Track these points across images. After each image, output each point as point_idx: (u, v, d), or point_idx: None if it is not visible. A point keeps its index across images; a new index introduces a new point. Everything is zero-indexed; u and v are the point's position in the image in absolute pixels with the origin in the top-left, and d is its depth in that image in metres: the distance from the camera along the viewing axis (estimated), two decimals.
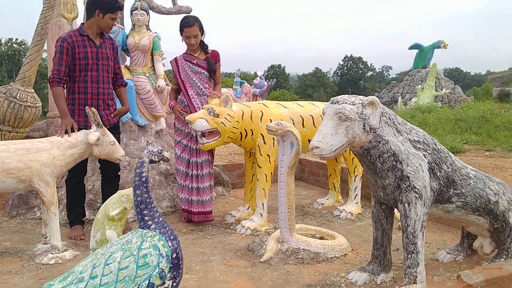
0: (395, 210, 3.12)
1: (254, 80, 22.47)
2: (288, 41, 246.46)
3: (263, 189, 4.23)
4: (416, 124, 11.07)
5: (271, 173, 4.28)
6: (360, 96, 2.80)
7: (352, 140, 2.70)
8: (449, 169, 2.96)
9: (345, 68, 75.50)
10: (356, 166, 4.79)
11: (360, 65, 75.54)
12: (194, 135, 4.33)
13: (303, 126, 4.41)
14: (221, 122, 4.04)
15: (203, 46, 4.62)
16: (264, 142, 4.21)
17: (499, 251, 3.21)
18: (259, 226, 4.20)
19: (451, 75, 60.23)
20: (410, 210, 2.78)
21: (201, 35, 4.57)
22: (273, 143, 4.19)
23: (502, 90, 24.78)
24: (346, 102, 2.71)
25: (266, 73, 25.78)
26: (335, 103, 2.75)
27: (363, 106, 2.69)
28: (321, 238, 3.84)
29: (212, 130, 4.05)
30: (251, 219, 4.26)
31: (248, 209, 4.62)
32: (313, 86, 66.66)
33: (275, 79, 23.70)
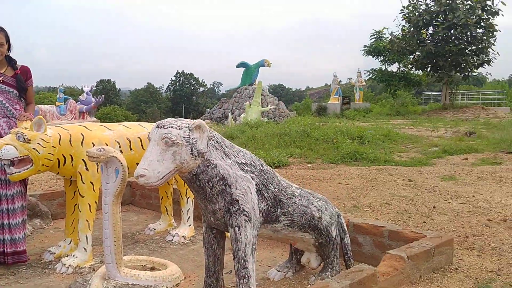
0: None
1: (80, 96, 21.14)
2: (118, 55, 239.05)
3: (87, 220, 3.83)
4: (245, 139, 11.53)
5: (96, 202, 3.91)
6: (187, 120, 2.68)
7: (180, 166, 2.56)
8: (276, 189, 3.01)
9: (177, 83, 75.99)
10: (188, 187, 4.67)
11: (192, 81, 76.81)
12: (1, 164, 3.75)
13: (131, 149, 4.14)
14: (33, 148, 3.55)
15: (10, 61, 4.06)
16: (87, 169, 3.83)
17: (324, 265, 3.37)
18: (82, 262, 3.79)
19: (275, 91, 64.89)
20: (240, 234, 2.74)
21: (8, 50, 4.02)
22: (97, 169, 3.84)
23: (319, 105, 27.42)
24: (172, 126, 2.57)
25: (94, 88, 24.42)
26: (161, 127, 2.59)
27: (190, 130, 2.58)
28: (152, 268, 3.61)
29: (22, 157, 3.54)
30: (73, 255, 3.83)
31: (70, 243, 4.15)
32: (146, 102, 65.81)
33: (103, 95, 22.61)
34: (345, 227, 3.50)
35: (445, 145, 10.69)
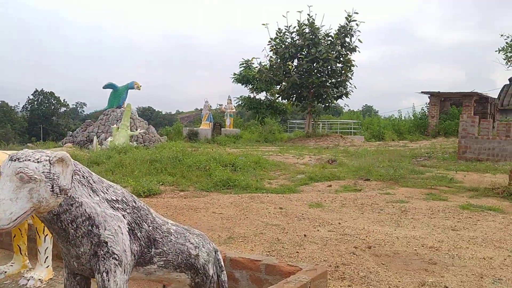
0: None
1: None
2: None
3: None
4: (112, 166, 10.92)
5: None
6: (47, 152, 2.35)
7: (38, 205, 2.22)
8: (150, 227, 2.77)
9: (35, 102, 70.69)
10: None
11: (53, 100, 72.07)
12: None
13: None
14: None
15: None
16: None
17: None
18: None
19: (144, 114, 63.57)
20: (109, 280, 2.44)
21: None
22: None
23: (191, 130, 27.30)
24: (29, 159, 2.22)
25: None
26: (15, 160, 2.23)
27: (51, 163, 2.25)
28: None
29: None
30: None
31: None
32: None
33: None
34: (222, 263, 3.36)
35: (311, 172, 11.21)
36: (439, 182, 9.83)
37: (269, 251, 4.58)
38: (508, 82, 32.20)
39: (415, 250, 4.75)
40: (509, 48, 30.88)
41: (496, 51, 31.59)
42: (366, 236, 5.26)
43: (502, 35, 31.50)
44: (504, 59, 31.80)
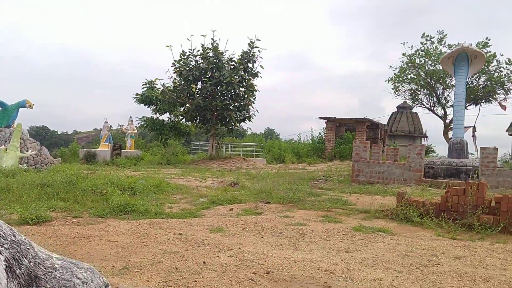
0: None
1: None
2: None
3: None
4: None
5: None
6: None
7: None
8: (31, 263, 2.54)
9: None
10: None
11: None
12: None
13: None
14: None
15: None
16: None
17: None
18: None
19: (37, 134, 59.81)
20: None
21: None
22: None
23: (88, 151, 26.04)
24: None
25: None
26: None
27: None
28: None
29: None
30: None
31: None
32: None
33: None
34: None
35: (213, 195, 11.17)
36: (334, 204, 10.27)
37: (166, 281, 4.43)
38: (396, 110, 34.99)
39: (311, 273, 4.87)
40: (397, 79, 33.64)
41: (385, 81, 34.19)
42: (265, 261, 5.30)
43: (390, 67, 34.26)
44: (393, 89, 34.61)
